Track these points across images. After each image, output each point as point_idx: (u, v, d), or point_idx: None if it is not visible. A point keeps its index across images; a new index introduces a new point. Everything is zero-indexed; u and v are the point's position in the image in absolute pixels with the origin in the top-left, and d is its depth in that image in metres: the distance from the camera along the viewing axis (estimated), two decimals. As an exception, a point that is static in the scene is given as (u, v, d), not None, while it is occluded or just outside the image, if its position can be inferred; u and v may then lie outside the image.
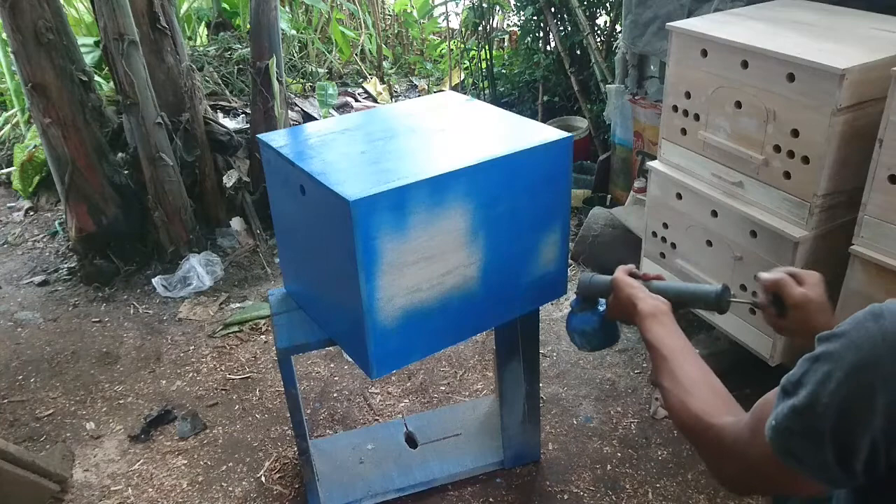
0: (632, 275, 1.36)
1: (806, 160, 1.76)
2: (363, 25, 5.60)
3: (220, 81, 4.07)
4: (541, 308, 1.91)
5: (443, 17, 5.16)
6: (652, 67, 2.98)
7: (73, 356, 2.75)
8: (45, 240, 3.64)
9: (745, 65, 1.84)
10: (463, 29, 5.11)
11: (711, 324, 2.20)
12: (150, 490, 2.13)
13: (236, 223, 3.46)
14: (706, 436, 0.92)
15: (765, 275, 1.17)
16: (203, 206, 3.41)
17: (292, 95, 4.31)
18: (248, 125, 3.59)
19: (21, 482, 1.99)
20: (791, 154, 1.79)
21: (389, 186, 1.41)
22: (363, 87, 5.19)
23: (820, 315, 1.10)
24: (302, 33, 5.21)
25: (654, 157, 2.30)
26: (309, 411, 2.40)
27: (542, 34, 4.12)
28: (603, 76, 3.49)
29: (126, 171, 3.29)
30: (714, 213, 2.06)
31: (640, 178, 2.97)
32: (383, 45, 5.67)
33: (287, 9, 5.10)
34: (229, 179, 3.38)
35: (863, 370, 0.67)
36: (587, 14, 3.64)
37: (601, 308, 1.46)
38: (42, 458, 2.13)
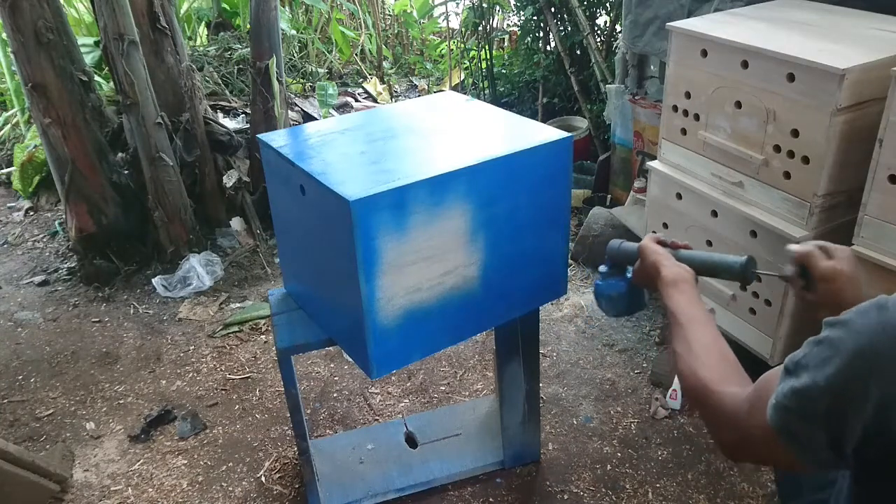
0: (660, 243, 1.38)
1: (806, 160, 1.76)
2: (363, 25, 5.60)
3: (220, 81, 4.07)
4: (541, 308, 1.91)
5: (443, 17, 5.17)
6: (652, 67, 2.98)
7: (73, 356, 2.75)
8: (45, 240, 3.64)
9: (745, 65, 1.84)
10: (463, 29, 5.11)
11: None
12: (150, 490, 2.13)
13: (236, 223, 3.46)
14: (709, 402, 0.95)
15: (794, 246, 1.19)
16: (203, 206, 3.41)
17: (292, 95, 4.31)
18: (248, 125, 3.59)
19: (21, 482, 1.99)
20: (791, 154, 1.79)
21: (389, 186, 1.41)
22: (363, 87, 5.19)
23: (849, 289, 1.11)
24: (302, 33, 5.21)
25: (654, 157, 2.30)
26: (309, 411, 2.40)
27: (542, 34, 4.12)
28: (603, 76, 3.49)
29: (126, 171, 3.29)
30: (714, 213, 2.06)
31: (640, 178, 2.97)
32: (383, 45, 5.67)
33: (287, 9, 5.10)
34: (229, 179, 3.38)
35: (860, 358, 0.69)
36: (587, 14, 3.64)
37: (629, 275, 1.47)
38: (42, 458, 2.13)
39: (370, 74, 5.45)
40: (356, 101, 4.89)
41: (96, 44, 3.72)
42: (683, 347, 1.08)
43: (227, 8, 4.82)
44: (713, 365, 1.01)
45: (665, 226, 2.26)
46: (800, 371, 0.75)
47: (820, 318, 1.16)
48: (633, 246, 1.44)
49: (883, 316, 0.70)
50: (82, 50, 3.28)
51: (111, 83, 3.50)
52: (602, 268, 1.53)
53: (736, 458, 0.94)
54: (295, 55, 5.09)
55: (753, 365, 2.08)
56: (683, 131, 2.11)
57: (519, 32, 4.34)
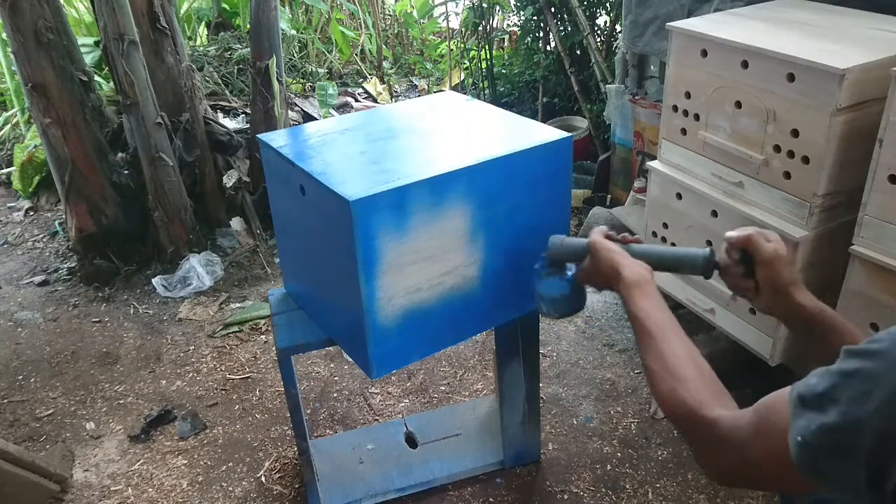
0: (608, 237, 1.30)
1: (806, 160, 1.76)
2: (363, 25, 5.60)
3: (220, 81, 4.07)
4: (541, 308, 1.91)
5: (443, 17, 5.17)
6: (652, 67, 2.98)
7: (73, 356, 2.75)
8: (45, 240, 3.64)
9: (745, 65, 1.84)
10: (463, 29, 5.11)
11: (711, 323, 2.20)
12: (150, 490, 2.13)
13: (236, 223, 3.46)
14: (698, 428, 0.89)
15: (732, 233, 1.15)
16: (203, 206, 3.41)
17: (292, 95, 4.31)
18: (248, 125, 3.59)
19: (21, 482, 1.99)
20: (791, 154, 1.79)
21: (389, 186, 1.41)
22: (363, 87, 5.19)
23: (786, 270, 1.10)
24: (302, 33, 5.21)
25: (654, 157, 2.30)
26: (309, 411, 2.40)
27: (542, 34, 4.12)
28: (603, 76, 3.49)
29: (126, 171, 3.29)
30: (714, 213, 2.06)
31: (640, 178, 2.97)
32: (383, 45, 5.67)
33: (287, 9, 5.10)
34: (229, 179, 3.38)
35: None
36: (587, 14, 3.64)
37: (570, 273, 1.38)
38: (42, 458, 2.13)
39: (370, 74, 5.45)
40: (356, 101, 4.89)
41: (96, 44, 3.72)
42: (657, 363, 1.00)
43: (227, 8, 4.82)
44: (695, 384, 0.94)
45: (665, 226, 2.26)
46: (827, 405, 0.69)
47: (762, 305, 1.13)
48: (580, 242, 1.33)
49: None
50: (82, 50, 3.28)
51: (111, 83, 3.50)
52: (538, 266, 1.43)
53: (731, 483, 0.88)
54: (295, 55, 5.09)
55: (753, 365, 2.09)
56: (683, 131, 2.11)
57: (519, 32, 4.34)
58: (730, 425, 0.84)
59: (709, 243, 2.10)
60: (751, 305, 1.89)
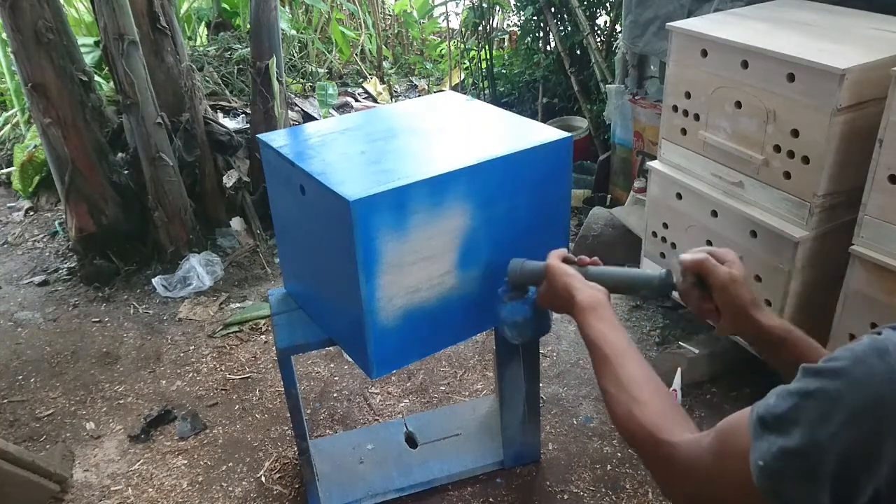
0: (566, 260, 1.29)
1: (806, 160, 1.76)
2: (363, 25, 5.60)
3: (220, 81, 4.07)
4: (541, 308, 1.91)
5: (443, 17, 5.16)
6: (652, 67, 2.98)
7: (73, 356, 2.75)
8: (45, 240, 3.64)
9: (745, 65, 1.84)
10: (463, 29, 5.11)
11: (712, 323, 2.20)
12: (150, 490, 2.13)
13: (236, 223, 3.46)
14: (657, 452, 0.87)
15: (686, 256, 1.13)
16: (203, 206, 3.41)
17: (292, 95, 4.31)
18: (248, 125, 3.59)
19: (21, 482, 1.99)
20: (791, 154, 1.79)
21: (389, 186, 1.41)
22: (363, 87, 5.19)
23: (743, 292, 1.08)
24: (302, 33, 5.21)
25: (654, 157, 2.30)
26: (309, 411, 2.40)
27: (542, 34, 4.12)
28: (603, 76, 3.49)
29: (126, 171, 3.29)
30: (714, 213, 2.06)
31: (640, 178, 2.97)
32: (383, 46, 5.67)
33: (287, 9, 5.10)
34: (229, 179, 3.38)
35: (869, 413, 0.61)
36: (587, 14, 3.64)
37: (532, 296, 1.38)
38: (42, 458, 2.13)
39: (370, 74, 5.45)
40: (356, 101, 4.89)
41: (96, 44, 3.72)
42: (615, 386, 0.97)
43: (227, 8, 4.82)
44: (653, 407, 0.91)
45: (665, 226, 2.26)
46: (788, 427, 0.66)
47: (724, 327, 1.10)
48: (539, 266, 1.33)
49: (888, 363, 0.62)
50: (82, 50, 3.28)
51: (111, 83, 3.50)
52: (500, 291, 1.43)
53: None
54: (295, 55, 5.09)
55: (754, 365, 2.09)
56: (683, 131, 2.11)
57: (519, 32, 4.34)
58: (690, 449, 0.82)
59: (709, 243, 2.10)
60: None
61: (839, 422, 0.62)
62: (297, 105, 4.24)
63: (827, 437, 0.63)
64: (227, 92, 4.01)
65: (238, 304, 3.01)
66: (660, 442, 0.86)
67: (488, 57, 4.43)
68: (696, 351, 2.34)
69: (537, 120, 2.70)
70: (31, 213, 3.92)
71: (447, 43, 5.01)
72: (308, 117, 4.16)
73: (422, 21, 5.83)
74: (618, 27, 3.63)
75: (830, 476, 0.63)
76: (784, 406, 0.68)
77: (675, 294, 1.21)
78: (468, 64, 4.86)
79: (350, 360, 2.58)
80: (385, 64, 5.65)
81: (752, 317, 1.07)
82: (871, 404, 0.61)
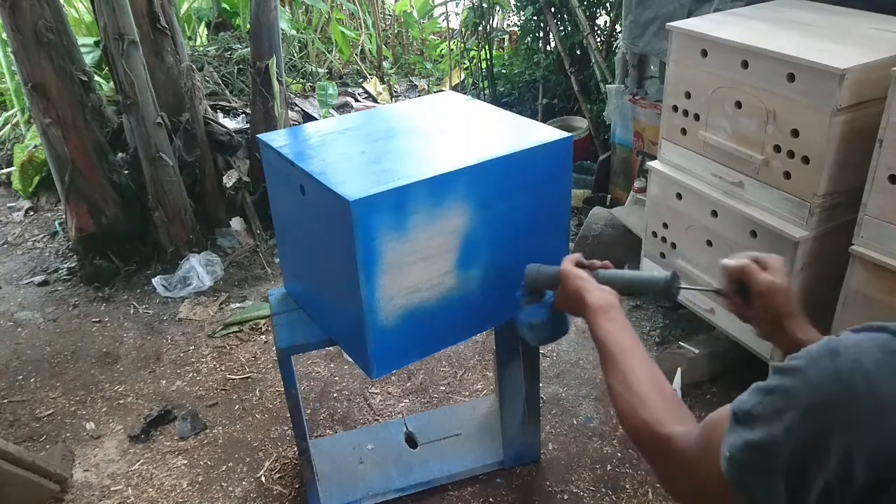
0: (578, 264, 1.32)
1: (806, 160, 1.76)
2: (363, 25, 5.60)
3: (220, 81, 4.07)
4: (541, 308, 1.91)
5: (443, 17, 5.16)
6: (652, 67, 2.98)
7: (73, 356, 2.75)
8: (45, 240, 3.64)
9: (745, 65, 1.84)
10: (463, 29, 5.11)
11: (712, 324, 2.20)
12: (150, 490, 2.13)
13: (236, 223, 3.46)
14: (654, 445, 0.90)
15: (729, 261, 1.13)
16: (203, 206, 3.41)
17: (292, 95, 4.31)
18: (248, 125, 3.59)
19: (21, 482, 1.99)
20: (791, 154, 1.79)
21: (389, 186, 1.41)
22: (363, 87, 5.19)
23: (785, 300, 1.07)
24: (302, 33, 5.21)
25: (654, 157, 2.30)
26: (309, 411, 2.40)
27: (542, 34, 4.12)
28: (603, 76, 3.49)
29: (126, 171, 3.29)
30: (714, 213, 2.06)
31: (640, 178, 2.97)
32: (383, 46, 5.67)
33: (287, 9, 5.10)
34: (229, 179, 3.38)
35: (818, 410, 0.65)
36: (587, 14, 3.64)
37: (549, 300, 1.42)
38: (42, 458, 2.13)
39: (370, 74, 5.45)
40: (356, 101, 4.89)
41: (96, 44, 3.72)
42: (619, 384, 1.01)
43: (227, 8, 4.82)
44: (655, 403, 0.94)
45: (665, 226, 2.26)
46: (752, 422, 0.70)
47: (761, 334, 1.11)
48: (553, 270, 1.38)
49: (836, 364, 0.66)
50: (82, 50, 3.28)
51: (111, 83, 3.50)
52: (518, 294, 1.47)
53: (686, 502, 0.88)
54: (295, 55, 5.09)
55: (753, 365, 2.09)
56: (683, 131, 2.11)
57: (519, 32, 4.34)
58: (681, 443, 0.85)
59: (709, 243, 2.10)
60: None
61: (792, 418, 0.66)
62: (297, 105, 4.24)
63: (781, 432, 0.67)
64: (227, 92, 4.01)
65: (238, 304, 3.01)
66: (658, 435, 0.89)
67: (488, 57, 4.43)
68: (696, 351, 2.34)
69: (537, 120, 2.70)
70: (31, 213, 3.92)
71: (447, 43, 5.01)
72: (308, 117, 4.16)
73: (422, 21, 5.83)
74: (618, 27, 3.63)
75: (784, 469, 0.67)
76: (752, 402, 0.71)
77: (680, 297, 1.23)
78: (468, 64, 4.86)
79: (350, 360, 2.58)
80: (385, 64, 5.65)
81: (783, 327, 1.07)
82: (820, 402, 0.65)
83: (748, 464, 0.70)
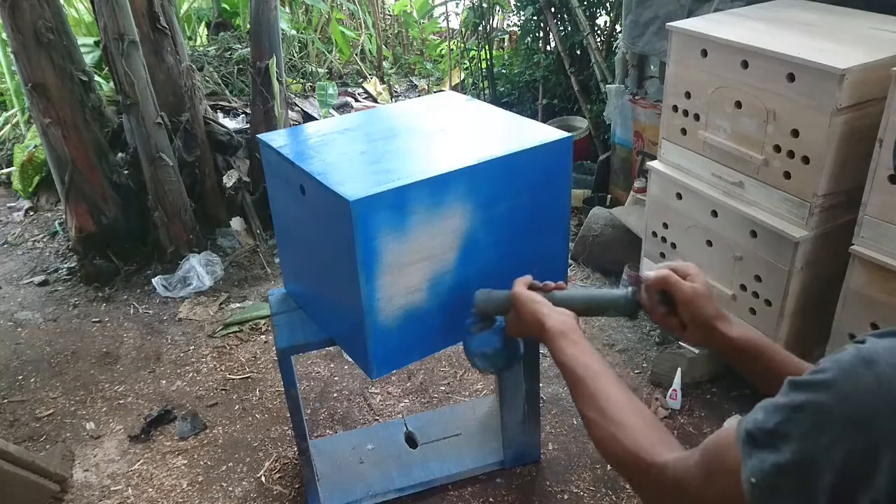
0: (531, 287, 1.29)
1: (806, 160, 1.76)
2: (363, 25, 5.60)
3: (220, 81, 4.07)
4: (541, 308, 1.91)
5: (443, 17, 5.16)
6: (652, 67, 2.98)
7: (73, 356, 2.75)
8: (45, 240, 3.64)
9: (745, 65, 1.84)
10: (463, 29, 5.10)
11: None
12: (150, 490, 2.13)
13: (236, 223, 3.46)
14: (646, 475, 0.86)
15: (649, 273, 1.13)
16: (203, 206, 3.41)
17: (292, 95, 4.31)
18: (248, 125, 3.59)
19: (21, 482, 1.99)
20: (791, 154, 1.79)
21: (389, 186, 1.41)
22: (363, 87, 5.19)
23: (710, 304, 1.08)
24: (302, 33, 5.21)
25: (654, 157, 2.30)
26: (309, 411, 2.40)
27: (542, 34, 4.12)
28: (603, 76, 3.49)
29: (126, 171, 3.29)
30: (714, 213, 2.06)
31: (640, 178, 2.97)
32: (383, 45, 5.67)
33: (287, 9, 5.10)
34: (229, 179, 3.38)
35: (862, 425, 0.61)
36: (587, 14, 3.64)
37: (500, 325, 1.37)
38: (42, 458, 2.13)
39: (370, 74, 5.45)
40: (356, 101, 4.89)
41: (96, 44, 3.72)
42: (594, 410, 0.96)
43: (227, 8, 4.82)
44: (637, 429, 0.90)
45: (665, 226, 2.26)
46: (779, 443, 0.65)
47: (694, 340, 1.10)
48: (503, 294, 1.33)
49: (876, 373, 0.61)
50: (82, 50, 3.28)
51: (111, 83, 3.50)
52: (468, 322, 1.41)
53: None
54: (295, 55, 5.09)
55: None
56: (683, 131, 2.11)
57: (519, 32, 4.34)
58: (678, 470, 0.80)
59: (709, 244, 2.10)
60: (751, 306, 1.88)
61: (832, 435, 0.62)
62: (297, 105, 4.24)
63: (820, 451, 0.62)
64: (227, 92, 4.01)
65: (238, 304, 3.01)
66: (646, 465, 0.85)
67: (488, 57, 4.43)
68: (696, 351, 2.34)
69: (537, 120, 2.70)
70: (31, 213, 3.92)
71: (447, 43, 5.01)
72: (308, 117, 4.16)
73: (422, 21, 5.83)
74: (618, 27, 3.63)
75: (826, 490, 0.62)
76: (773, 421, 0.67)
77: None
78: (468, 64, 4.85)
79: (350, 360, 2.58)
80: (385, 64, 5.65)
81: (717, 329, 1.07)
82: (863, 416, 0.61)
83: (779, 488, 0.65)
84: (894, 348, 0.63)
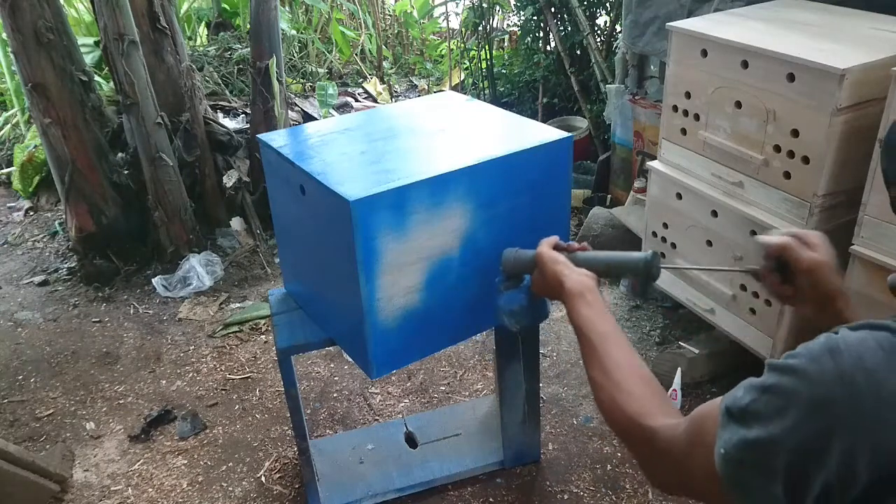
0: (556, 247, 1.30)
1: (806, 160, 1.76)
2: (363, 25, 5.60)
3: (220, 81, 4.07)
4: (541, 308, 1.91)
5: (443, 17, 5.16)
6: (652, 67, 2.98)
7: (73, 356, 2.75)
8: (45, 240, 3.64)
9: (745, 65, 1.84)
10: (463, 29, 5.10)
11: (711, 323, 2.20)
12: (150, 490, 2.13)
13: (236, 223, 3.46)
14: (638, 436, 0.89)
15: (767, 238, 1.07)
16: (203, 206, 3.41)
17: (292, 95, 4.31)
18: (248, 125, 3.59)
19: (21, 482, 1.99)
20: (791, 154, 1.79)
21: (389, 186, 1.41)
22: (363, 87, 5.19)
23: (831, 277, 1.02)
24: (302, 33, 5.21)
25: (654, 157, 2.30)
26: (309, 411, 2.40)
27: (542, 34, 4.12)
28: (603, 76, 3.49)
29: (126, 171, 3.29)
30: (714, 213, 2.06)
31: (640, 178, 2.97)
32: (383, 45, 5.67)
33: (287, 9, 5.10)
34: (229, 179, 3.38)
35: (820, 410, 0.65)
36: (587, 14, 3.64)
37: (527, 284, 1.40)
38: (42, 458, 2.13)
39: (370, 74, 5.45)
40: (356, 101, 4.89)
41: (96, 44, 3.72)
42: (599, 373, 0.98)
43: (227, 8, 4.82)
44: (636, 392, 0.92)
45: (665, 226, 2.26)
46: (749, 420, 0.69)
47: (805, 313, 1.06)
48: (530, 254, 1.35)
49: (837, 363, 0.65)
50: (82, 50, 3.28)
51: (111, 83, 3.50)
52: (497, 280, 1.45)
53: (672, 492, 0.89)
54: (295, 55, 5.09)
55: (753, 365, 2.09)
56: (683, 131, 2.11)
57: (519, 32, 4.34)
58: (667, 435, 0.84)
59: (709, 244, 2.10)
60: (752, 305, 1.87)
61: (793, 417, 0.66)
62: (297, 105, 4.24)
63: (781, 432, 0.66)
64: (227, 92, 4.01)
65: (238, 304, 3.01)
66: (640, 427, 0.88)
67: (488, 57, 4.43)
68: (696, 351, 2.34)
69: (537, 120, 2.70)
70: (31, 213, 3.92)
71: (447, 43, 5.01)
72: (308, 117, 4.16)
73: (422, 21, 5.83)
74: (618, 27, 3.63)
75: (783, 469, 0.66)
76: (747, 399, 0.71)
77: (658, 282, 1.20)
78: (468, 64, 4.85)
79: (350, 360, 2.58)
80: (385, 64, 5.65)
81: (835, 304, 1.02)
82: (822, 401, 0.64)
83: (744, 462, 0.69)
84: (864, 341, 0.68)
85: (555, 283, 1.20)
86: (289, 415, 1.85)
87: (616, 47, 3.55)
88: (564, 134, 1.65)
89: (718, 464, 0.72)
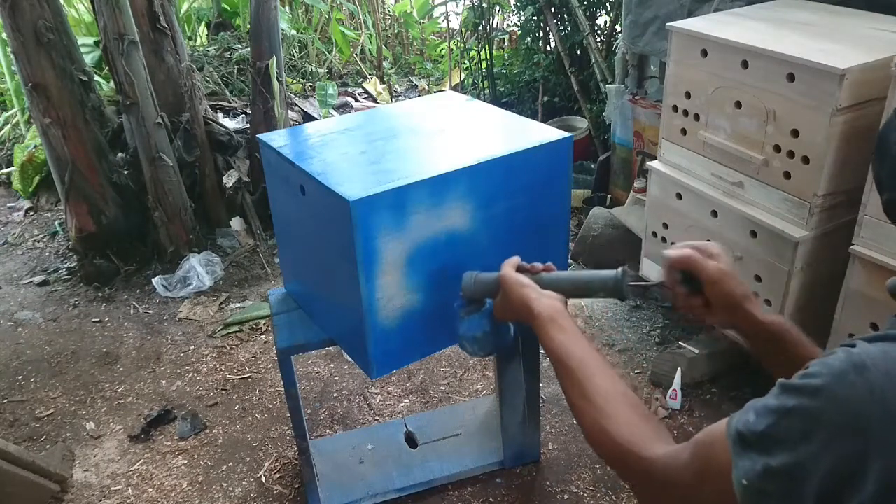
0: (519, 268, 1.26)
1: (806, 160, 1.76)
2: (363, 25, 5.60)
3: (220, 81, 4.07)
4: (541, 308, 1.91)
5: (443, 17, 5.16)
6: (652, 67, 2.98)
7: (73, 356, 2.75)
8: (45, 240, 3.64)
9: (745, 65, 1.84)
10: (463, 29, 5.10)
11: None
12: (150, 490, 2.13)
13: (236, 223, 3.46)
14: (634, 467, 0.84)
15: (671, 252, 1.07)
16: (203, 206, 3.41)
17: (292, 95, 4.31)
18: (248, 125, 3.59)
19: (21, 482, 1.99)
20: (791, 154, 1.79)
21: (389, 186, 1.41)
22: (363, 87, 5.19)
23: (738, 284, 1.03)
24: (302, 33, 5.21)
25: (654, 157, 2.30)
26: (309, 411, 2.40)
27: (542, 34, 4.12)
28: (603, 76, 3.49)
29: (126, 171, 3.29)
30: (714, 213, 2.06)
31: (640, 178, 2.97)
32: (383, 45, 5.67)
33: (287, 9, 5.10)
34: (229, 179, 3.38)
35: (852, 432, 0.61)
36: (587, 14, 3.64)
37: (489, 308, 1.35)
38: (42, 458, 2.13)
39: (370, 74, 5.45)
40: (356, 101, 4.89)
41: (96, 44, 3.72)
42: (582, 400, 0.93)
43: (227, 8, 4.82)
44: (626, 419, 0.88)
45: (665, 226, 2.26)
46: (771, 447, 0.65)
47: (716, 322, 1.06)
48: (492, 277, 1.30)
49: (866, 379, 0.61)
50: (82, 50, 3.28)
51: (111, 83, 3.50)
52: (456, 305, 1.39)
53: None
54: (295, 55, 5.09)
55: (753, 365, 2.09)
56: (683, 131, 2.11)
57: (519, 32, 4.34)
58: (667, 465, 0.79)
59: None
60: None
61: (821, 441, 0.62)
62: (297, 105, 4.24)
63: (809, 457, 0.62)
64: (227, 92, 4.01)
65: (238, 304, 3.01)
66: (635, 458, 0.84)
67: (488, 57, 4.43)
68: (696, 351, 2.34)
69: (537, 120, 2.70)
70: (31, 213, 3.92)
71: (447, 43, 5.01)
72: (308, 117, 4.16)
73: (422, 21, 5.83)
74: (618, 27, 3.63)
75: (813, 495, 0.62)
76: (764, 423, 0.67)
77: (663, 297, 1.18)
78: (468, 64, 4.85)
79: (350, 360, 2.58)
80: (385, 64, 5.65)
81: (747, 310, 1.03)
82: (854, 422, 0.61)
83: (769, 492, 0.65)
84: (886, 354, 0.63)
85: (522, 308, 1.16)
86: (289, 415, 1.85)
87: (616, 47, 3.55)
88: (564, 134, 1.65)
89: (739, 495, 0.67)
